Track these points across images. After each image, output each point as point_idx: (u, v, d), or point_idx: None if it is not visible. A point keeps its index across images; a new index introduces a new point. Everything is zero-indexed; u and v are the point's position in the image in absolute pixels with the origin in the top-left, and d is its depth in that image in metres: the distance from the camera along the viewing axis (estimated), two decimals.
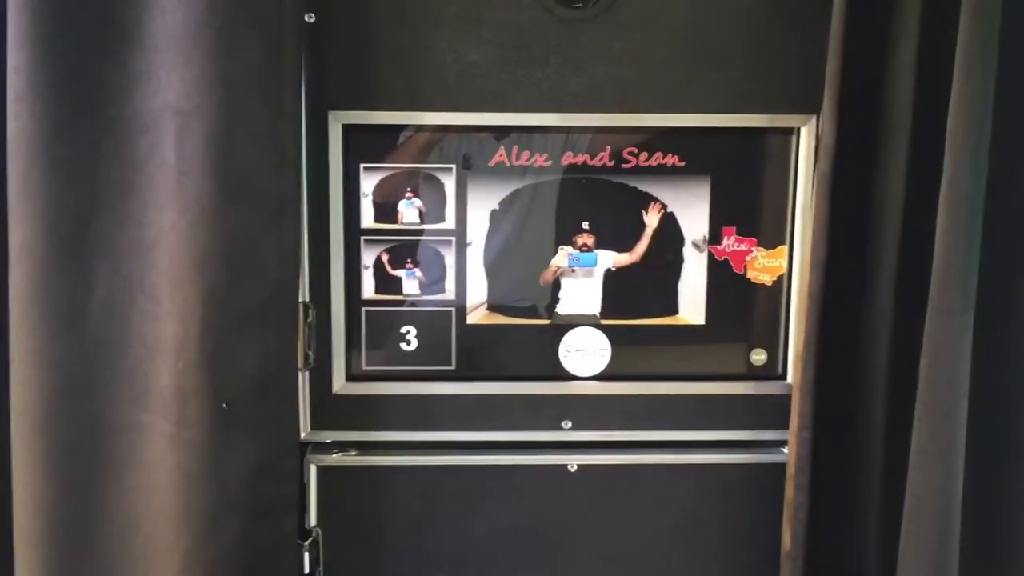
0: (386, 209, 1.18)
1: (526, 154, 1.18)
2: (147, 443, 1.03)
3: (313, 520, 1.21)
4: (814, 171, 1.13)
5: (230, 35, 1.00)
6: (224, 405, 1.02)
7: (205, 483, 1.03)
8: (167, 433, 1.02)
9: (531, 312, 1.22)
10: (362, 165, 1.17)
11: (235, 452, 1.04)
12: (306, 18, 1.11)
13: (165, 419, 1.01)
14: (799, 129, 1.17)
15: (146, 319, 1.01)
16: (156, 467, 1.03)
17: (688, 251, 1.20)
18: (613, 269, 1.20)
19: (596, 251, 1.20)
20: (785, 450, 1.19)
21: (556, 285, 1.21)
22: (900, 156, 1.07)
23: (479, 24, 1.13)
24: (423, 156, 1.18)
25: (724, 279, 1.21)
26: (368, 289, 1.20)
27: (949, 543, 1.03)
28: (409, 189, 1.18)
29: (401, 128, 1.17)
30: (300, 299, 1.16)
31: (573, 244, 1.20)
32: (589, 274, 1.21)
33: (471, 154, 1.18)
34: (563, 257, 1.20)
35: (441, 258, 1.20)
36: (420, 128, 1.17)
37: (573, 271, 1.20)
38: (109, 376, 1.02)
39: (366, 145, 1.16)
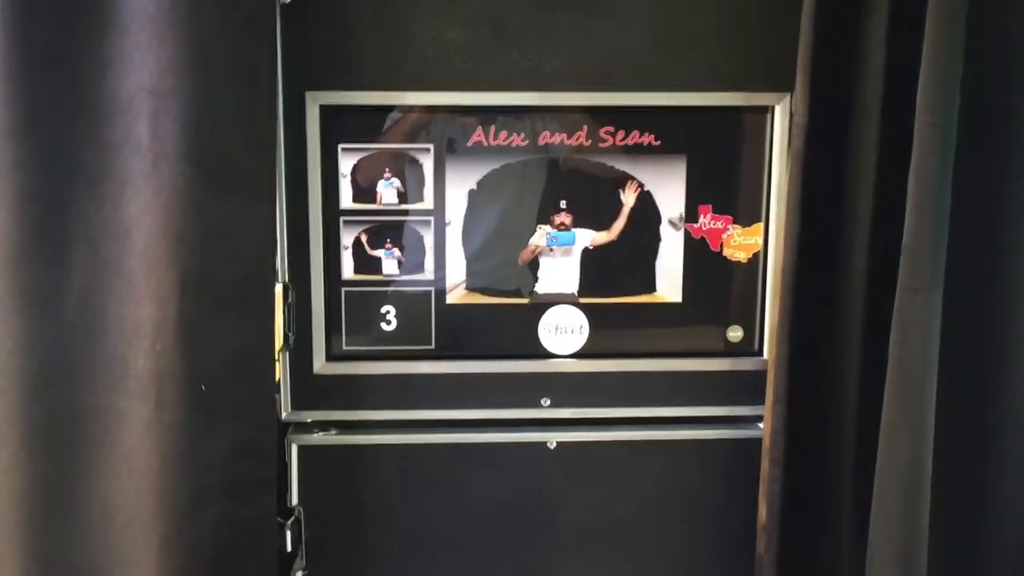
0: (365, 190, 1.19)
1: (504, 134, 1.18)
2: (125, 427, 1.03)
3: (295, 499, 1.22)
4: (788, 149, 1.14)
5: (205, 16, 0.99)
6: (202, 387, 1.02)
7: (184, 466, 1.03)
8: (145, 416, 1.02)
9: (510, 291, 1.23)
10: (340, 145, 1.17)
11: (213, 434, 1.04)
12: None
13: (143, 402, 1.01)
14: (773, 107, 1.17)
15: (123, 302, 1.00)
16: (134, 451, 1.03)
17: (665, 229, 1.21)
18: (591, 248, 1.21)
19: (574, 230, 1.21)
20: (761, 425, 1.20)
21: (534, 264, 1.22)
22: (871, 134, 1.08)
23: (456, 4, 1.13)
24: (402, 136, 1.18)
25: (701, 257, 1.22)
26: (348, 270, 1.20)
27: (919, 516, 1.05)
28: (387, 169, 1.19)
29: (379, 109, 1.17)
30: (280, 280, 1.17)
31: (551, 223, 1.21)
32: (567, 253, 1.21)
33: (450, 135, 1.18)
34: (541, 237, 1.21)
35: (420, 238, 1.20)
36: (398, 108, 1.17)
37: (551, 250, 1.21)
38: (86, 360, 1.02)
39: (344, 126, 1.16)
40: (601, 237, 1.21)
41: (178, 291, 1.00)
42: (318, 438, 1.22)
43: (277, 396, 1.18)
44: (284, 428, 1.21)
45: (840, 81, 1.08)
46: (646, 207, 1.21)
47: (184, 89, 0.99)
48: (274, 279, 1.13)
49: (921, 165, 1.00)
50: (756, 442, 1.20)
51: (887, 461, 1.06)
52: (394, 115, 1.17)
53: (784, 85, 1.14)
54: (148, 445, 1.02)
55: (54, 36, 0.99)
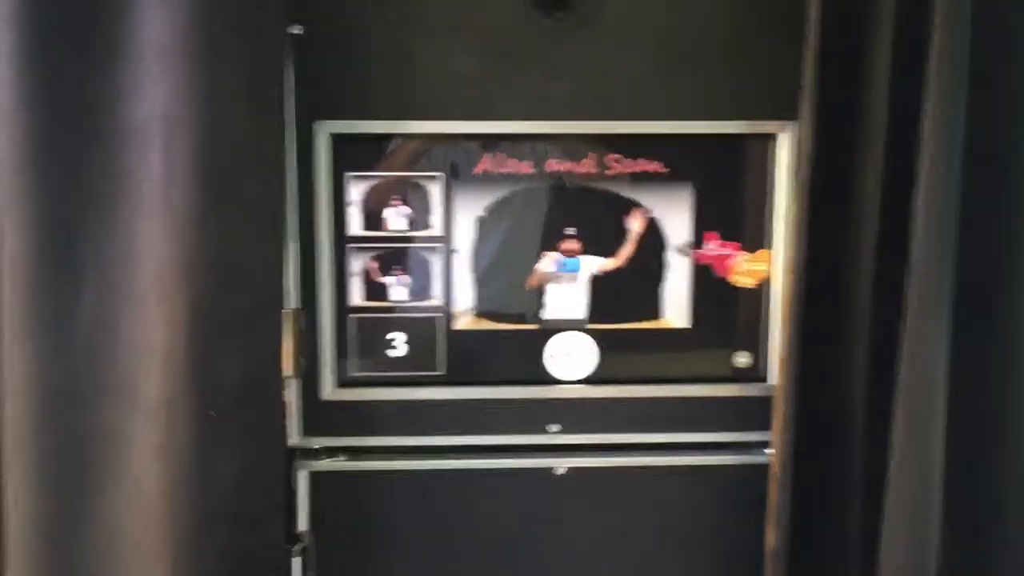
0: (373, 217, 1.20)
1: (511, 161, 1.20)
2: (135, 452, 1.03)
3: (303, 526, 1.23)
4: (794, 176, 1.15)
5: (216, 46, 1.01)
6: (211, 413, 1.03)
7: (192, 491, 1.03)
8: (154, 442, 1.02)
9: (518, 317, 1.23)
10: (349, 174, 1.19)
11: (222, 460, 1.04)
12: (292, 29, 1.13)
13: (153, 428, 1.02)
14: (777, 135, 1.19)
15: (134, 328, 1.01)
16: (143, 475, 1.03)
17: (672, 256, 1.22)
18: (599, 274, 1.22)
19: (581, 256, 1.22)
20: (769, 451, 1.20)
21: (542, 290, 1.23)
22: (877, 161, 1.08)
23: (463, 34, 1.14)
24: (409, 164, 1.19)
25: (707, 283, 1.22)
26: (356, 296, 1.21)
27: (928, 541, 1.05)
28: (396, 197, 1.20)
29: (387, 137, 1.18)
30: (291, 306, 1.18)
31: (559, 250, 1.22)
32: (574, 279, 1.22)
33: (457, 162, 1.19)
34: (548, 263, 1.22)
35: (428, 265, 1.22)
36: (406, 137, 1.18)
37: (558, 276, 1.22)
38: (98, 385, 1.03)
39: (352, 154, 1.18)
40: (609, 263, 1.22)
41: (188, 317, 1.01)
42: (326, 464, 1.22)
43: (286, 422, 1.19)
44: (292, 454, 1.21)
45: (845, 111, 1.09)
46: (653, 234, 1.21)
47: (196, 117, 1.01)
48: (282, 305, 1.14)
49: (927, 193, 1.01)
50: (764, 468, 1.19)
51: (896, 487, 1.06)
52: (397, 141, 1.19)
53: (788, 113, 1.14)
54: (157, 470, 1.03)
55: (68, 65, 1.00)
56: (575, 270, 1.22)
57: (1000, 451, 1.14)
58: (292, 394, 1.19)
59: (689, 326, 1.24)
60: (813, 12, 1.07)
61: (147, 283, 1.01)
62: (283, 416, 1.16)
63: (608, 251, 1.22)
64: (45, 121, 1.00)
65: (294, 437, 1.21)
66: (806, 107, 1.08)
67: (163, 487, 1.03)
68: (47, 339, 1.02)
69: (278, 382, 1.12)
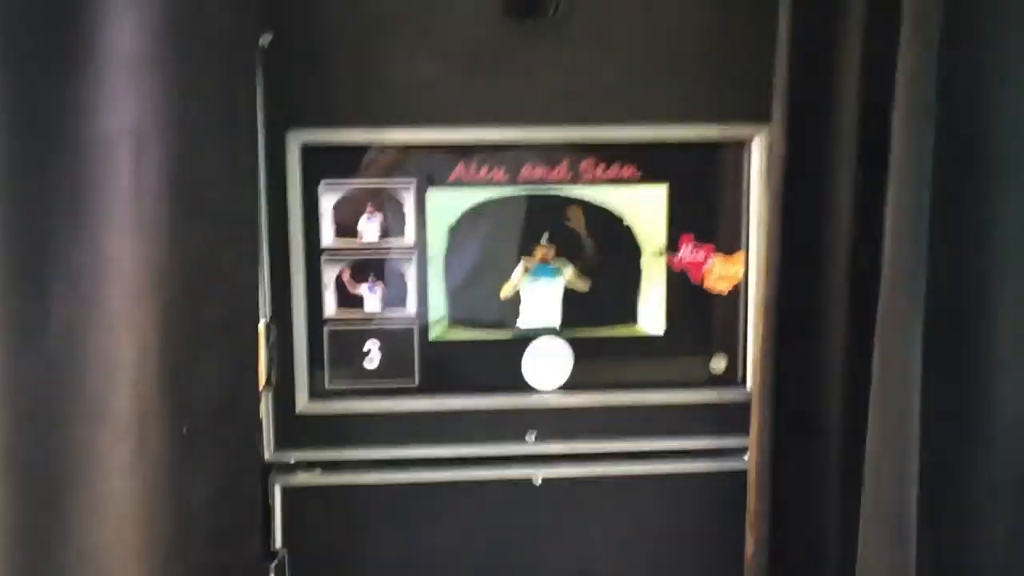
0: (346, 226, 1.19)
1: (484, 169, 1.19)
2: (106, 468, 1.01)
3: (279, 542, 1.21)
4: (767, 179, 1.16)
5: (186, 56, 1.00)
6: (184, 429, 1.01)
7: (165, 508, 1.01)
8: (126, 457, 1.00)
9: (492, 325, 1.23)
10: (321, 183, 1.18)
11: (195, 476, 1.03)
12: (263, 39, 1.12)
13: (124, 443, 1.00)
14: (751, 139, 1.19)
15: (104, 341, 0.99)
16: (114, 492, 1.01)
17: (646, 262, 1.23)
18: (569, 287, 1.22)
19: (557, 263, 1.22)
20: (747, 457, 1.20)
21: (517, 298, 1.22)
22: (848, 164, 1.09)
23: (434, 41, 1.14)
24: (382, 173, 1.19)
25: (682, 288, 1.23)
26: (330, 307, 1.20)
27: (906, 544, 1.05)
28: (369, 206, 1.19)
29: (359, 146, 1.17)
30: (262, 318, 1.17)
31: (534, 256, 1.21)
32: (549, 286, 1.22)
33: (431, 170, 1.19)
34: (522, 272, 1.21)
35: (402, 274, 1.21)
36: (378, 145, 1.18)
37: (533, 284, 1.22)
38: (68, 399, 1.01)
39: (325, 163, 1.17)
40: (579, 283, 1.22)
41: (160, 328, 0.99)
42: (302, 478, 1.21)
43: (260, 436, 1.18)
44: (267, 469, 1.20)
45: (816, 113, 1.10)
46: (627, 240, 1.22)
47: (166, 129, 0.99)
48: (257, 317, 1.12)
49: (898, 193, 1.01)
50: (742, 474, 1.19)
51: (873, 492, 1.06)
52: (372, 152, 1.18)
53: (760, 117, 1.15)
54: (129, 487, 1.00)
55: (34, 76, 0.99)
56: (550, 277, 1.22)
57: (977, 450, 1.15)
58: (265, 407, 1.18)
59: (664, 332, 1.24)
60: (783, 16, 1.07)
61: (117, 296, 0.99)
62: (258, 430, 1.14)
63: (581, 257, 1.22)
64: (12, 132, 0.98)
65: (268, 451, 1.19)
66: (777, 110, 1.09)
67: (135, 504, 1.01)
68: (14, 352, 1.00)
69: (253, 395, 1.10)
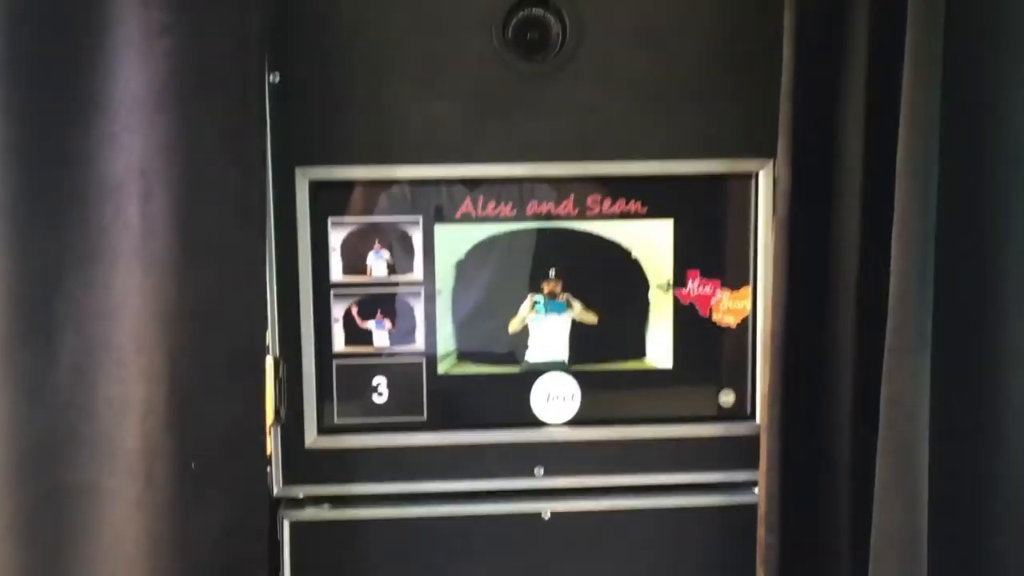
0: (355, 262, 1.20)
1: (492, 204, 1.20)
2: (114, 507, 1.02)
3: None
4: (773, 214, 1.16)
5: (194, 96, 1.01)
6: (192, 465, 1.01)
7: (174, 546, 1.02)
8: (134, 497, 1.01)
9: (501, 360, 1.23)
10: (330, 219, 1.18)
11: (204, 513, 1.03)
12: (270, 78, 1.13)
13: (132, 482, 1.01)
14: (757, 173, 1.19)
15: (112, 381, 1.00)
16: (123, 531, 1.01)
17: (654, 295, 1.23)
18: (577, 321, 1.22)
19: (565, 297, 1.22)
20: (756, 490, 1.19)
21: (525, 332, 1.22)
22: (854, 199, 1.09)
23: (441, 79, 1.15)
24: (391, 209, 1.20)
25: (690, 322, 1.22)
26: (338, 342, 1.21)
27: None
28: (377, 241, 1.20)
29: (368, 182, 1.18)
30: (271, 354, 1.17)
31: (541, 291, 1.22)
32: (557, 321, 1.22)
33: (439, 206, 1.20)
34: (530, 306, 1.22)
35: (410, 309, 1.21)
36: (386, 182, 1.19)
37: (541, 318, 1.22)
38: (76, 440, 1.02)
39: (333, 199, 1.18)
40: (587, 317, 1.22)
41: (168, 368, 1.00)
42: (310, 513, 1.21)
43: (268, 471, 1.18)
44: (276, 504, 1.20)
45: (821, 149, 1.10)
46: (635, 274, 1.22)
47: (175, 169, 1.01)
48: (265, 355, 1.13)
49: (903, 224, 1.01)
50: (752, 508, 1.18)
51: (882, 524, 1.05)
52: (378, 186, 1.19)
53: (766, 151, 1.16)
54: (137, 525, 1.01)
55: (44, 119, 1.01)
56: (558, 312, 1.22)
57: (986, 482, 1.14)
58: (274, 442, 1.18)
59: (673, 365, 1.23)
60: (787, 50, 1.08)
61: (126, 336, 1.00)
62: (266, 466, 1.15)
63: (589, 292, 1.22)
64: (21, 175, 1.00)
65: (276, 486, 1.19)
66: (783, 145, 1.09)
67: (143, 542, 1.01)
68: (23, 393, 1.01)
69: (261, 432, 1.10)
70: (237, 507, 1.06)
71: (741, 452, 1.22)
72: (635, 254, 1.21)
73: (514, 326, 1.22)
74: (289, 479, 1.20)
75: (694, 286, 1.22)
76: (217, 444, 1.04)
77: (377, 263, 1.20)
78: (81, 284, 1.01)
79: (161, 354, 1.00)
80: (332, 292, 1.20)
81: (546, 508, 1.22)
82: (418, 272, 1.20)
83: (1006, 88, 1.08)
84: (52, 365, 1.01)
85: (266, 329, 1.13)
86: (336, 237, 1.19)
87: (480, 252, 1.21)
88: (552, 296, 1.21)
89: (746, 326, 1.23)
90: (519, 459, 1.22)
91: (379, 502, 1.22)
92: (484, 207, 1.20)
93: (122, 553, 1.02)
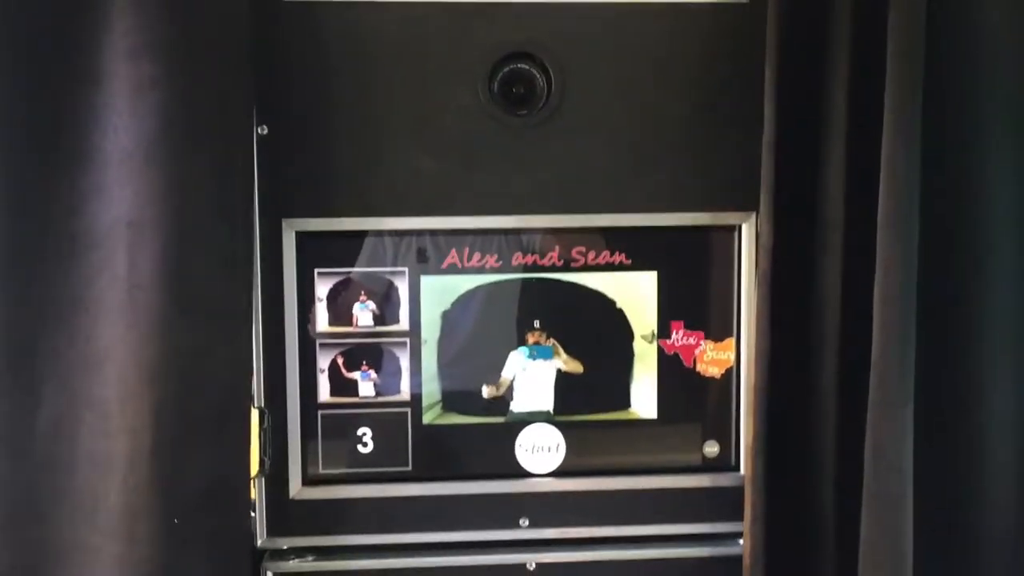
0: (340, 312, 1.19)
1: (477, 255, 1.20)
2: (96, 564, 1.00)
3: None
4: (756, 267, 1.16)
5: (183, 149, 1.01)
6: (175, 521, 1.00)
7: None
8: (116, 553, 0.99)
9: (486, 410, 1.22)
10: (316, 270, 1.18)
11: (187, 568, 1.01)
12: (259, 130, 1.14)
13: (115, 539, 0.99)
14: (740, 226, 1.20)
15: (95, 436, 0.99)
16: None
17: (638, 346, 1.23)
18: (563, 370, 1.22)
19: (551, 342, 1.21)
20: (741, 542, 1.18)
21: (511, 384, 1.22)
22: (836, 253, 1.10)
23: (427, 132, 1.15)
24: (377, 260, 1.20)
25: (675, 373, 1.22)
26: (324, 392, 1.20)
27: None
28: (363, 292, 1.20)
29: (354, 234, 1.18)
30: (256, 405, 1.16)
31: (525, 343, 1.22)
32: (543, 368, 1.22)
33: (425, 257, 1.20)
34: (514, 365, 1.21)
35: (396, 359, 1.21)
36: (373, 233, 1.19)
37: (524, 370, 1.22)
38: (57, 497, 1.00)
39: (319, 251, 1.18)
40: (571, 366, 1.22)
41: (152, 423, 0.99)
42: (294, 565, 1.19)
43: (252, 521, 1.16)
44: (259, 555, 1.18)
45: (803, 204, 1.11)
46: (619, 325, 1.22)
47: (163, 222, 1.00)
48: (250, 409, 1.12)
49: (884, 279, 1.02)
50: (737, 560, 1.18)
51: None
52: (363, 238, 1.19)
53: (748, 204, 1.16)
54: None
55: (30, 172, 1.00)
56: (546, 357, 1.21)
57: (970, 534, 1.14)
58: (258, 493, 1.17)
59: (657, 416, 1.23)
60: (768, 105, 1.09)
61: (109, 390, 0.99)
62: (248, 520, 1.13)
63: (575, 342, 1.22)
64: (6, 225, 0.99)
65: (260, 538, 1.18)
66: (765, 201, 1.10)
67: None
68: (3, 449, 0.99)
69: (245, 486, 1.09)
70: (219, 563, 1.04)
71: (726, 503, 1.21)
72: (620, 304, 1.22)
73: (499, 391, 1.21)
74: (273, 530, 1.18)
75: (678, 337, 1.22)
76: (200, 499, 1.02)
77: (363, 313, 1.20)
78: (64, 337, 1.00)
79: (145, 408, 0.99)
80: (318, 342, 1.19)
81: (531, 559, 1.21)
82: (404, 322, 1.20)
83: (985, 149, 1.09)
84: (33, 418, 0.99)
85: (251, 383, 1.12)
86: (322, 288, 1.19)
87: (466, 302, 1.21)
88: (537, 344, 1.21)
89: (730, 377, 1.23)
90: (504, 510, 1.21)
91: (364, 553, 1.20)
92: (470, 258, 1.20)
93: None
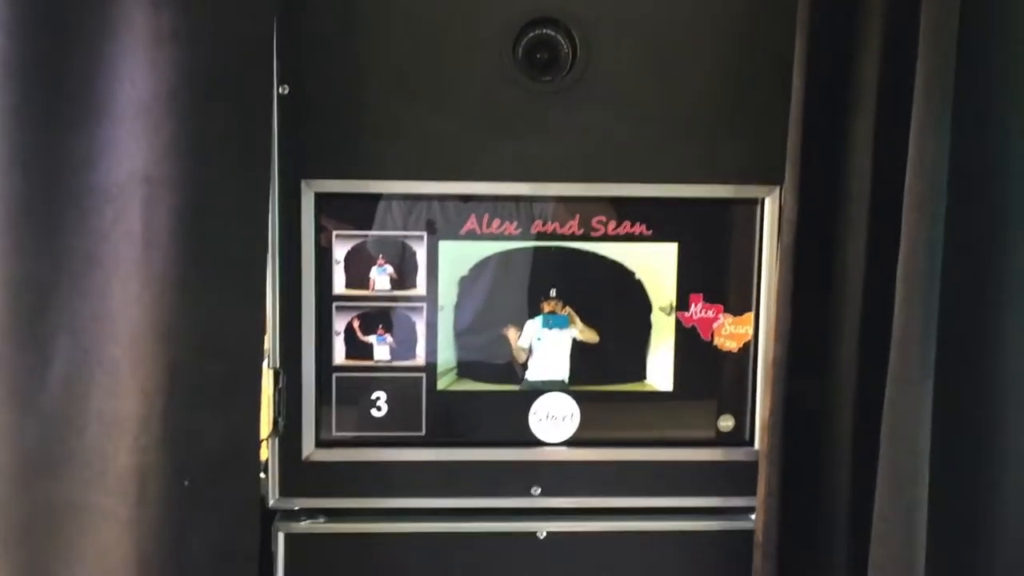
0: (358, 275, 1.16)
1: (496, 222, 1.17)
2: (104, 525, 0.97)
3: None
4: (778, 240, 1.13)
5: (202, 105, 0.96)
6: (185, 483, 0.97)
7: (165, 566, 0.97)
8: (125, 515, 0.96)
9: (501, 378, 1.20)
10: (334, 232, 1.16)
11: (196, 531, 0.98)
12: (279, 89, 1.11)
13: (123, 500, 0.96)
14: (763, 199, 1.16)
15: (105, 395, 0.95)
16: (113, 550, 0.96)
17: (656, 318, 1.20)
18: (578, 339, 1.19)
19: (567, 311, 1.18)
20: (753, 517, 1.16)
21: (528, 351, 1.20)
22: (860, 228, 1.06)
23: (449, 96, 1.11)
24: (395, 223, 1.17)
25: (692, 346, 1.19)
26: (339, 355, 1.17)
27: None
28: (381, 256, 1.17)
29: (373, 196, 1.15)
30: (271, 365, 1.14)
31: (541, 311, 1.19)
32: (559, 337, 1.20)
33: (440, 221, 1.16)
34: (530, 334, 1.18)
35: (412, 324, 1.18)
36: (391, 196, 1.16)
37: (540, 339, 1.19)
38: (66, 455, 0.97)
39: (338, 213, 1.14)
40: (587, 335, 1.19)
41: (166, 384, 0.95)
42: (305, 526, 1.17)
43: (264, 481, 1.15)
44: (270, 515, 1.17)
45: (828, 177, 1.07)
46: (637, 296, 1.18)
47: (179, 178, 0.96)
48: (262, 371, 1.09)
49: (909, 258, 0.99)
50: (748, 534, 1.15)
51: (879, 557, 1.02)
52: (383, 200, 1.16)
53: (773, 177, 1.12)
54: (127, 544, 0.96)
55: (47, 124, 0.95)
56: (562, 326, 1.19)
57: (985, 517, 1.11)
58: (271, 454, 1.15)
59: (673, 389, 1.20)
60: (797, 78, 1.05)
61: (121, 348, 0.95)
62: (258, 483, 1.10)
63: (592, 311, 1.19)
64: (22, 182, 0.95)
65: (272, 498, 1.16)
66: (790, 173, 1.06)
67: (134, 561, 0.96)
68: (14, 405, 0.95)
69: (255, 449, 1.06)
70: (228, 526, 1.01)
71: (739, 478, 1.18)
72: (638, 275, 1.18)
73: (518, 355, 1.19)
74: (285, 491, 1.16)
75: (697, 310, 1.19)
76: (211, 462, 0.99)
77: (380, 277, 1.17)
78: (78, 293, 0.96)
79: (158, 368, 0.95)
80: (334, 305, 1.16)
81: (542, 527, 1.19)
82: (421, 287, 1.17)
83: (1017, 127, 1.05)
84: (44, 375, 0.96)
85: (264, 343, 1.09)
86: (340, 250, 1.16)
87: (483, 269, 1.17)
88: (552, 313, 1.19)
89: (747, 351, 1.20)
90: (516, 478, 1.19)
91: (374, 516, 1.18)
92: (489, 224, 1.17)
93: (111, 573, 0.97)
